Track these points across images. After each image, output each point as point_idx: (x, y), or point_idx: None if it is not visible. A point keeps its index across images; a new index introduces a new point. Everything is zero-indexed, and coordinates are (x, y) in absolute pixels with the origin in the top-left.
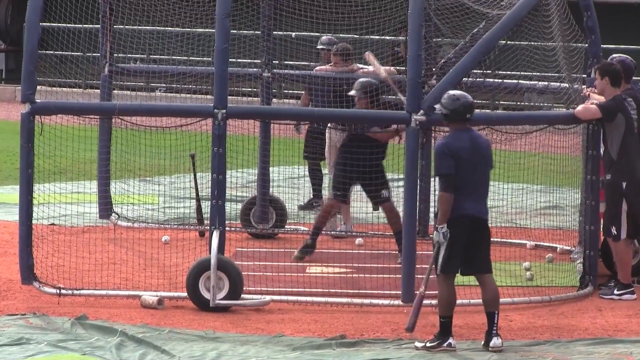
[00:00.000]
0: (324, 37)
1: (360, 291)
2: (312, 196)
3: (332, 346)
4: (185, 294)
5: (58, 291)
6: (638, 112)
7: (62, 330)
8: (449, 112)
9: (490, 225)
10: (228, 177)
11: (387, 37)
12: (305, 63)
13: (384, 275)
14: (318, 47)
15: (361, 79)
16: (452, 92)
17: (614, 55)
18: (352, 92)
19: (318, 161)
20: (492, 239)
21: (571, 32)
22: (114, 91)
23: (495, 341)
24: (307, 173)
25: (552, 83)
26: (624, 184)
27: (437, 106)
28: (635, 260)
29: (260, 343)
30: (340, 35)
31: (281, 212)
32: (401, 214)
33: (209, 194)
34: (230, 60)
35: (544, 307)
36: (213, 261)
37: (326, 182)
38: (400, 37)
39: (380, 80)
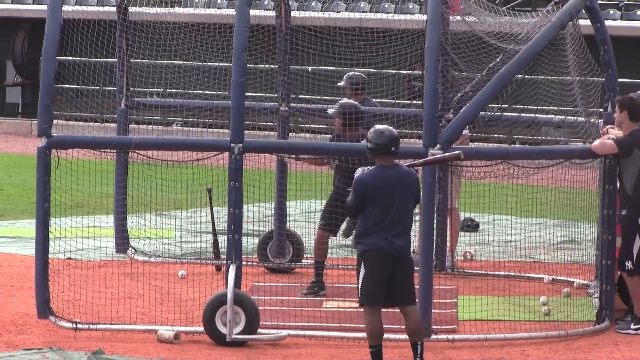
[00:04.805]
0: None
1: None
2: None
3: None
4: (201, 329)
5: (74, 325)
6: None
7: None
8: (374, 145)
9: (506, 259)
10: (245, 211)
11: (404, 72)
12: (321, 97)
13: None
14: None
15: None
16: (377, 126)
17: None
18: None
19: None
20: (508, 274)
21: (588, 66)
22: (131, 125)
23: None
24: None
25: (568, 117)
26: None
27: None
28: None
29: None
30: (357, 69)
31: (298, 247)
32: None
33: (226, 228)
34: (246, 94)
35: (560, 341)
36: (229, 296)
37: None
38: (417, 71)
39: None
